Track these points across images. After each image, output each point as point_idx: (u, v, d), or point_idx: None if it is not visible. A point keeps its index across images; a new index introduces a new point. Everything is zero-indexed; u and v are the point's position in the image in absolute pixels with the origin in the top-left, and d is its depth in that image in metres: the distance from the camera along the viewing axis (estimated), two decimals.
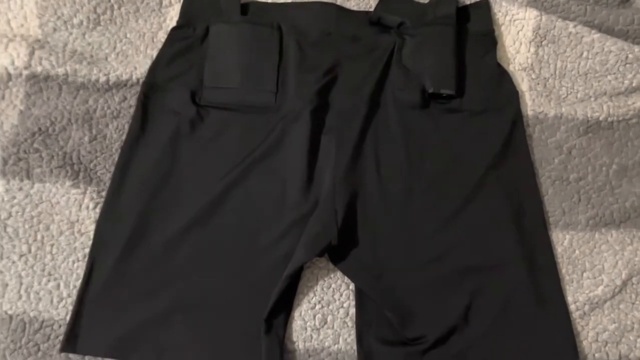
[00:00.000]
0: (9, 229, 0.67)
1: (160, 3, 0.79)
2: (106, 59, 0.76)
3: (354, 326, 0.65)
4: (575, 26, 0.78)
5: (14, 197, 0.68)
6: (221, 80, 0.74)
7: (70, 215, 0.68)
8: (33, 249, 0.66)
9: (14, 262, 0.66)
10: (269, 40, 0.76)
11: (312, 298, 0.67)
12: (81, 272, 0.65)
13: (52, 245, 0.67)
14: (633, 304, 0.69)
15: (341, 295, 0.67)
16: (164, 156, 0.70)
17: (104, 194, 0.69)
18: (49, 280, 0.65)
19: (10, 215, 0.67)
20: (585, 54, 0.79)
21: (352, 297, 0.67)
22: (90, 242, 0.66)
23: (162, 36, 0.78)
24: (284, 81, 0.74)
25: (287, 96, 0.73)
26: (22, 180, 0.69)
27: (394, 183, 0.70)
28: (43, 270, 0.65)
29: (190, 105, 0.72)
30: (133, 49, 0.77)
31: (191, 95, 0.73)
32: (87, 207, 0.68)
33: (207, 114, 0.73)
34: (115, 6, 0.78)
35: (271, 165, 0.71)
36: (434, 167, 0.71)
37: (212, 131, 0.72)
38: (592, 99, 0.78)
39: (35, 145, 0.70)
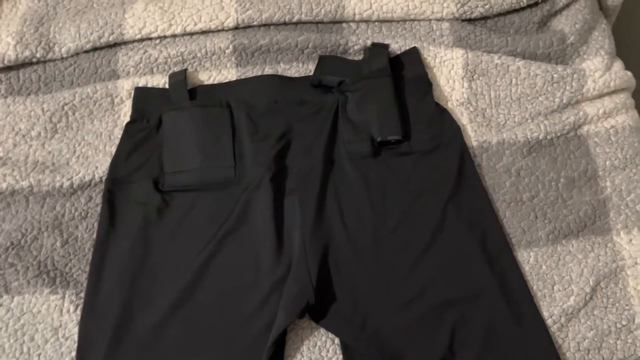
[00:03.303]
0: None
1: (112, 102, 0.83)
2: (67, 163, 0.80)
3: None
4: (500, 57, 0.84)
5: None
6: (180, 164, 0.77)
7: (52, 322, 0.69)
8: None
9: None
10: (220, 118, 0.80)
11: (300, 359, 0.68)
12: None
13: (39, 355, 0.68)
14: (606, 307, 0.71)
15: (328, 351, 0.69)
16: (137, 246, 0.72)
17: (82, 295, 0.70)
18: None
19: None
20: (514, 80, 0.84)
21: (338, 351, 0.68)
22: (75, 345, 0.67)
23: (118, 133, 0.81)
24: (240, 154, 0.78)
25: (245, 167, 0.77)
26: (1, 296, 0.70)
27: (361, 231, 0.73)
28: None
29: (155, 194, 0.75)
30: (92, 150, 0.81)
31: (154, 183, 0.76)
32: (68, 311, 0.70)
33: (172, 199, 0.75)
34: (70, 112, 0.82)
35: (241, 237, 0.73)
36: (396, 209, 0.75)
37: (180, 214, 0.75)
38: (529, 120, 0.83)
39: (9, 260, 0.72)
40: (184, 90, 0.81)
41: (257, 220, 0.74)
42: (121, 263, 0.71)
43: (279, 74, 0.86)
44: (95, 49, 0.85)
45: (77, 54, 0.85)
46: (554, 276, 0.73)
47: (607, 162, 0.80)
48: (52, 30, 0.84)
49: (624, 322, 0.70)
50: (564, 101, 0.83)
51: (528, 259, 0.74)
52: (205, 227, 0.74)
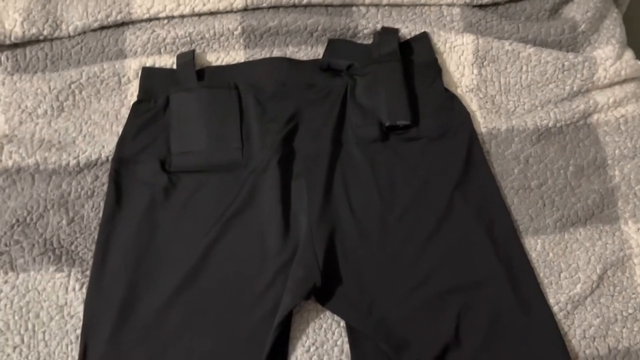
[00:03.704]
0: (0, 323, 0.68)
1: (119, 81, 0.83)
2: (74, 142, 0.79)
3: None
4: (511, 44, 0.84)
5: (1, 291, 0.69)
6: (187, 145, 0.77)
7: (58, 300, 0.69)
8: (26, 339, 0.67)
9: (8, 355, 0.66)
10: (228, 100, 0.79)
11: (306, 341, 0.68)
12: (76, 354, 0.66)
13: (44, 333, 0.67)
14: (612, 296, 0.71)
15: (333, 334, 0.68)
16: (143, 226, 0.72)
17: (88, 273, 0.70)
18: None
19: None
20: (524, 67, 0.83)
21: (344, 334, 0.68)
22: (80, 323, 0.67)
23: (125, 112, 0.81)
24: (248, 136, 0.77)
25: (253, 150, 0.76)
26: (6, 273, 0.70)
27: (368, 216, 0.73)
28: (38, 358, 0.66)
29: (161, 174, 0.75)
30: (99, 129, 0.80)
31: (160, 164, 0.75)
32: (74, 289, 0.69)
33: (178, 180, 0.75)
34: (77, 91, 0.82)
35: (247, 219, 0.73)
36: (403, 195, 0.74)
37: (186, 195, 0.74)
38: (539, 108, 0.82)
39: (15, 237, 0.72)
40: (192, 72, 0.81)
41: (264, 203, 0.73)
42: (127, 243, 0.71)
43: (288, 56, 0.85)
44: (102, 28, 0.85)
45: (85, 32, 0.84)
46: (560, 264, 0.73)
47: (617, 151, 0.80)
48: (60, 8, 0.84)
49: (630, 311, 0.70)
50: (575, 89, 0.83)
51: (535, 246, 0.74)
52: (211, 209, 0.73)
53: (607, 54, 0.85)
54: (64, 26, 0.83)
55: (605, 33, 0.88)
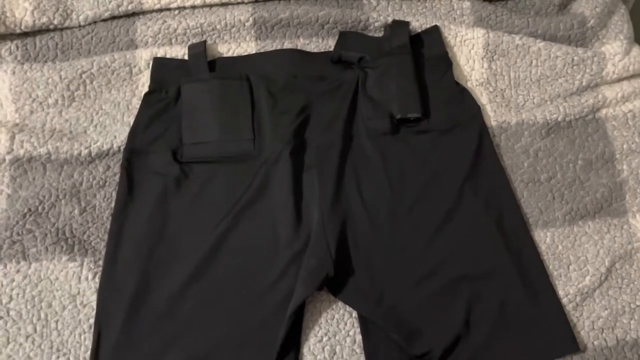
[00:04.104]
0: (12, 312, 0.67)
1: (130, 72, 0.82)
2: (85, 132, 0.79)
3: (363, 353, 0.67)
4: (521, 38, 0.84)
5: (13, 280, 0.69)
6: (199, 136, 0.77)
7: (70, 289, 0.69)
8: (38, 328, 0.67)
9: (21, 344, 0.66)
10: (240, 91, 0.79)
11: (319, 332, 0.68)
12: (89, 343, 0.66)
13: (56, 322, 0.67)
14: (620, 288, 0.72)
15: (346, 324, 0.69)
16: (155, 217, 0.72)
17: (101, 262, 0.70)
18: (58, 357, 0.66)
19: (11, 298, 0.68)
20: (534, 62, 0.84)
21: (356, 324, 0.69)
22: (93, 313, 0.67)
23: (136, 103, 0.81)
24: (259, 127, 0.78)
25: (264, 141, 0.77)
26: (18, 262, 0.70)
27: (379, 207, 0.73)
28: (51, 347, 0.66)
29: (173, 164, 0.75)
30: (110, 119, 0.80)
31: (172, 154, 0.75)
32: (87, 279, 0.69)
33: (190, 170, 0.75)
34: (87, 81, 0.81)
35: (259, 210, 0.73)
36: (413, 187, 0.75)
37: (198, 186, 0.74)
38: (548, 102, 0.83)
39: (27, 226, 0.72)
40: (204, 62, 0.81)
41: (276, 194, 0.74)
42: (139, 233, 0.71)
43: (299, 48, 0.85)
44: (113, 18, 0.84)
45: (95, 22, 0.84)
46: (569, 256, 0.74)
47: (625, 146, 0.81)
48: None
49: (638, 303, 0.71)
50: (584, 84, 0.83)
51: (545, 238, 0.75)
52: (223, 200, 0.74)
53: (615, 50, 0.85)
54: (74, 15, 0.83)
55: (614, 29, 0.89)
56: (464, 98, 0.81)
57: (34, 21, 0.81)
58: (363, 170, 0.76)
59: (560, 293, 0.71)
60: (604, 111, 0.83)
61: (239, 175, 0.75)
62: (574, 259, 0.74)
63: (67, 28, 0.84)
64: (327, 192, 0.73)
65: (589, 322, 0.70)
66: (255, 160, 0.76)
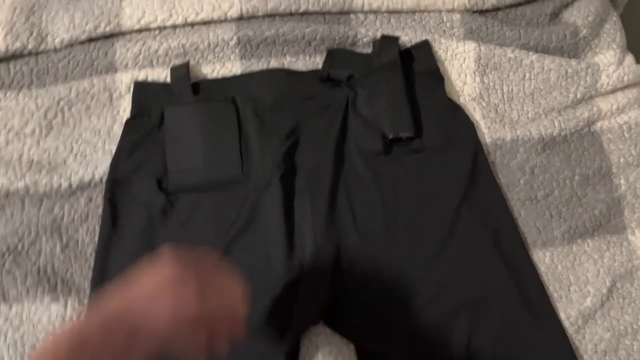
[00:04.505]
0: None
1: (110, 97, 0.79)
2: (65, 163, 0.75)
3: None
4: (513, 51, 0.82)
5: None
6: (185, 162, 0.74)
7: (55, 331, 0.66)
8: None
9: None
10: (226, 113, 0.76)
11: None
12: None
13: None
14: (622, 308, 0.71)
15: (343, 358, 0.67)
16: (141, 251, 0.69)
17: (85, 301, 0.67)
18: None
19: None
20: (527, 75, 0.82)
21: (354, 357, 0.67)
22: None
23: (117, 129, 0.77)
24: (247, 151, 0.75)
25: (253, 165, 0.74)
26: None
27: (374, 232, 0.71)
28: None
29: (158, 193, 0.72)
30: (91, 148, 0.77)
31: (157, 183, 0.72)
32: (71, 319, 0.66)
33: (176, 199, 0.72)
34: (66, 108, 0.78)
35: (250, 239, 0.70)
36: (408, 209, 0.72)
37: (185, 215, 0.72)
38: (543, 116, 0.81)
39: (6, 266, 0.68)
40: (187, 85, 0.77)
41: (267, 222, 0.71)
42: (125, 268, 0.68)
43: (286, 67, 0.82)
44: (90, 40, 0.81)
45: (72, 45, 0.80)
46: (569, 276, 0.72)
47: (621, 159, 0.79)
48: (45, 19, 0.79)
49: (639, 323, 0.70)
50: (578, 97, 0.82)
51: (544, 259, 0.73)
52: (212, 229, 0.71)
53: (608, 60, 0.84)
54: (49, 39, 0.79)
55: (606, 37, 0.87)
56: (456, 114, 0.79)
57: (7, 47, 0.77)
58: (356, 193, 0.73)
59: (562, 315, 0.69)
60: (599, 124, 0.81)
61: (228, 203, 0.72)
62: (574, 279, 0.72)
63: (42, 52, 0.80)
64: (319, 218, 0.71)
65: (592, 345, 0.68)
66: (243, 185, 0.73)
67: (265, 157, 0.74)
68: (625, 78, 0.83)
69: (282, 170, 0.73)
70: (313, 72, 0.81)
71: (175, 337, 0.42)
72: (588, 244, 0.74)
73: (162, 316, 0.41)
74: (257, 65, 0.82)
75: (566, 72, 0.82)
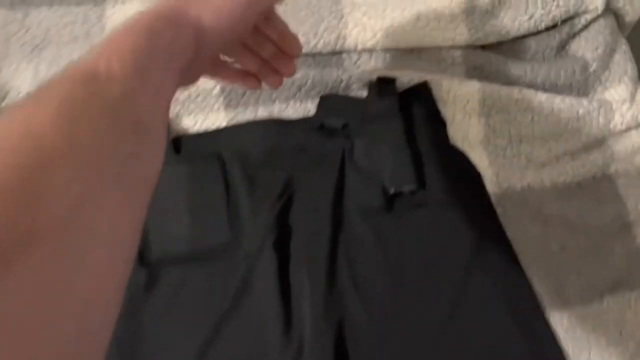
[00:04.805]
0: None
1: None
2: None
3: None
4: (520, 91, 0.76)
5: None
6: (168, 231, 0.67)
7: None
8: None
9: None
10: (211, 174, 0.70)
11: None
12: None
13: None
14: None
15: None
16: (124, 334, 0.63)
17: None
18: None
19: None
20: (535, 117, 0.76)
21: None
22: None
23: None
24: (236, 215, 0.68)
25: (243, 230, 0.68)
26: None
27: (378, 301, 0.65)
28: None
29: (139, 269, 0.65)
30: None
31: (139, 256, 0.66)
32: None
33: (160, 274, 0.66)
34: None
35: (243, 314, 0.64)
36: (415, 273, 0.66)
37: (171, 291, 0.65)
38: (554, 161, 0.75)
39: None
40: (168, 143, 0.70)
41: (261, 294, 0.65)
42: (109, 354, 0.62)
43: (275, 114, 0.76)
44: None
45: None
46: (589, 339, 0.67)
47: (639, 206, 0.74)
48: (5, 73, 0.72)
49: None
50: (591, 139, 0.76)
51: (561, 321, 0.68)
52: (201, 305, 0.65)
53: (620, 95, 0.78)
54: (12, 93, 0.72)
55: (617, 69, 0.81)
56: (462, 162, 0.73)
57: None
58: (357, 258, 0.67)
59: None
60: (613, 167, 0.76)
61: (217, 274, 0.66)
62: (595, 342, 0.67)
63: (3, 110, 0.72)
64: (318, 290, 0.64)
65: None
66: (233, 254, 0.67)
67: (256, 220, 0.67)
68: (639, 116, 0.77)
69: (275, 234, 0.67)
70: (305, 120, 0.75)
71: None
72: (607, 302, 0.69)
73: None
74: (244, 114, 0.75)
75: (577, 112, 0.76)
